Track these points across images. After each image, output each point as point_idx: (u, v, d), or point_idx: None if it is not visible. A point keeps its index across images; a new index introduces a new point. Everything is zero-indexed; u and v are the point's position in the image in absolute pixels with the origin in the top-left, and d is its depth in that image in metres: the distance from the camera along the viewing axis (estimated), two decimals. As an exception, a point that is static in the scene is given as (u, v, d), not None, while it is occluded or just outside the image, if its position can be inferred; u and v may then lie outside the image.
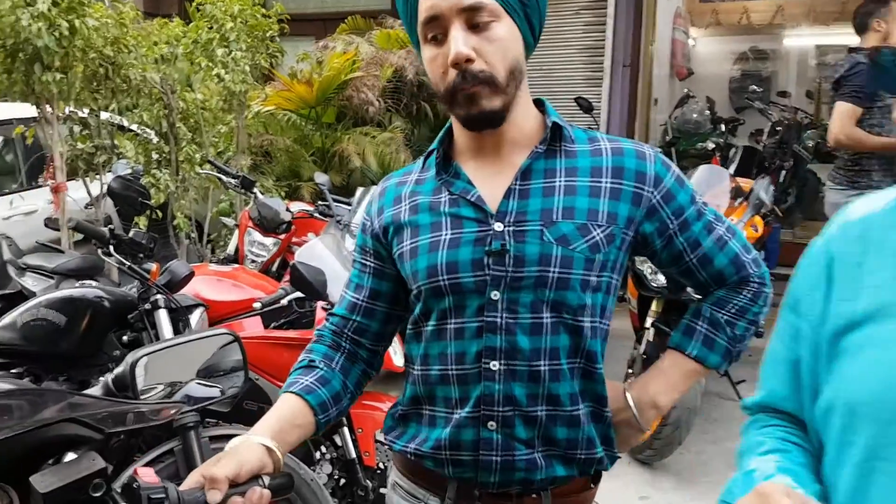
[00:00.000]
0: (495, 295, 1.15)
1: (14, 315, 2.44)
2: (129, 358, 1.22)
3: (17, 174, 5.03)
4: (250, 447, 1.09)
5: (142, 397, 1.32)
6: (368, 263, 1.32)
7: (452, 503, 1.24)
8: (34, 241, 3.87)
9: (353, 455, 2.60)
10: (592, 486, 1.27)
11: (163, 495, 0.97)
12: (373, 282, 1.31)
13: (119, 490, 1.01)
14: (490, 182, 1.20)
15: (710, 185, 3.62)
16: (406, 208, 1.26)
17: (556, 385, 1.17)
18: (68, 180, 4.40)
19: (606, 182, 1.18)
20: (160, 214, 4.72)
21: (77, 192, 4.56)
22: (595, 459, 1.22)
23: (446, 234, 1.19)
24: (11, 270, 3.43)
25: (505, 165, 1.20)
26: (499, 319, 1.15)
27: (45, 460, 1.13)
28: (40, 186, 4.67)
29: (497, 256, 1.15)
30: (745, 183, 4.03)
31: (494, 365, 1.16)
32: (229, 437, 2.23)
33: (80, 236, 3.61)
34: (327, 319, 1.35)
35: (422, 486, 1.28)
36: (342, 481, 2.68)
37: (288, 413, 1.21)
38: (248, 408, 2.58)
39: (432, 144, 1.28)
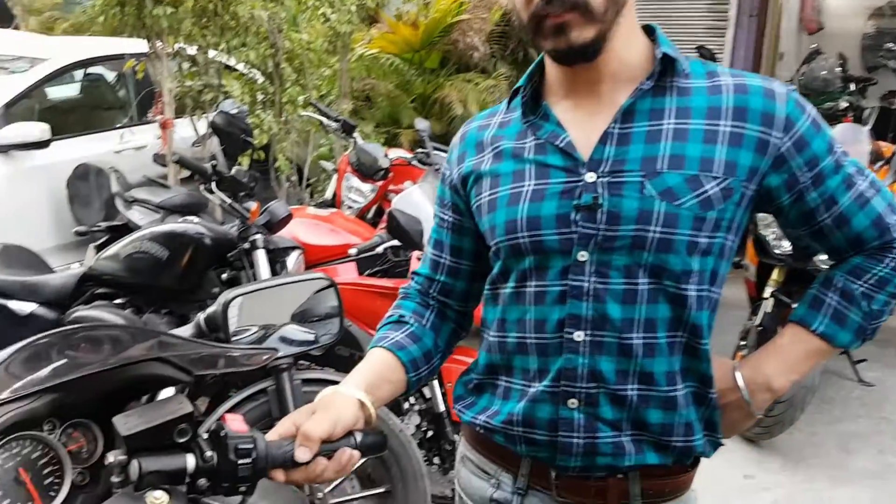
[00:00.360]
0: (582, 256, 1.01)
1: (118, 247, 2.48)
2: (223, 298, 1.15)
3: (128, 109, 5.17)
4: (345, 401, 1.01)
5: (234, 339, 1.26)
6: (447, 218, 1.20)
7: (526, 481, 1.12)
8: (142, 176, 3.96)
9: (442, 409, 2.55)
10: (690, 469, 1.12)
11: (250, 446, 0.91)
12: (453, 238, 1.20)
13: (206, 436, 0.95)
14: (584, 125, 1.04)
15: (847, 146, 3.28)
16: (488, 156, 1.12)
17: (650, 361, 1.02)
18: (176, 118, 4.48)
19: (725, 125, 1.00)
20: (263, 155, 4.76)
21: (185, 130, 4.65)
22: (693, 447, 1.06)
23: (529, 185, 1.05)
24: (119, 203, 3.52)
25: (602, 105, 1.04)
26: (585, 284, 1.02)
27: (130, 400, 1.09)
28: (150, 122, 4.77)
29: (587, 212, 1.01)
30: (885, 147, 3.65)
31: (578, 335, 1.02)
32: (322, 381, 2.26)
33: (186, 173, 3.68)
34: (412, 278, 1.26)
35: (493, 462, 1.17)
36: (429, 433, 2.64)
37: (380, 367, 1.12)
38: (340, 353, 2.55)
39: (520, 81, 1.12)
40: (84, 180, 4.24)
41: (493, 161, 1.11)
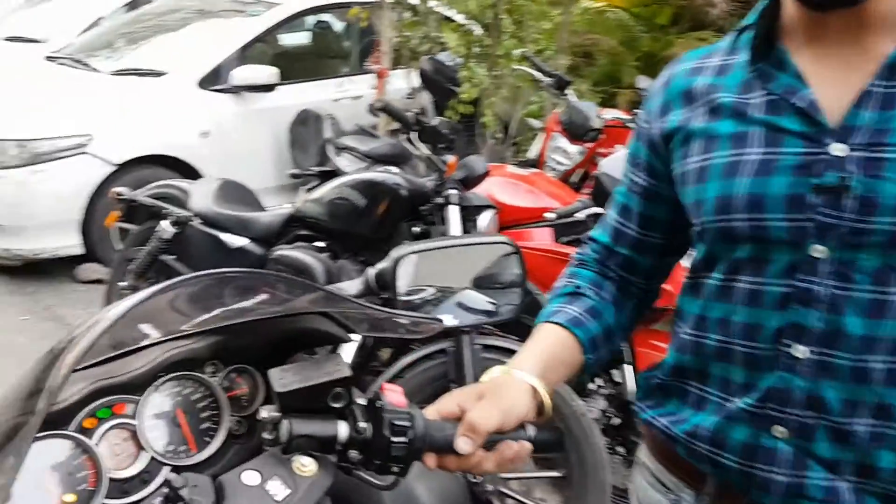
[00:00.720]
0: (818, 251, 0.80)
1: (322, 191, 2.54)
2: (394, 254, 1.06)
3: (349, 58, 5.35)
4: (518, 388, 0.88)
5: (405, 298, 1.17)
6: (639, 181, 0.99)
7: (710, 500, 0.92)
8: (355, 124, 4.07)
9: (633, 396, 2.34)
10: None
11: (407, 423, 0.82)
12: (644, 205, 1.00)
13: (363, 402, 0.87)
14: (832, 80, 0.81)
15: None
16: (701, 110, 0.89)
17: (892, 392, 0.79)
18: (393, 69, 4.55)
19: None
20: (471, 110, 4.72)
21: (400, 83, 4.71)
22: None
23: (754, 154, 0.84)
24: (330, 150, 3.63)
25: (860, 55, 0.80)
26: (819, 288, 0.80)
27: (294, 352, 1.03)
28: (368, 72, 4.90)
29: (830, 195, 0.78)
30: None
31: (800, 351, 0.81)
32: (503, 350, 2.15)
33: (396, 125, 3.71)
34: (586, 242, 1.09)
35: (673, 474, 0.98)
36: (615, 421, 2.46)
37: (554, 347, 0.97)
38: (524, 321, 2.42)
39: (747, 17, 0.89)
40: (304, 125, 4.46)
41: (708, 117, 0.89)
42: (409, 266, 1.10)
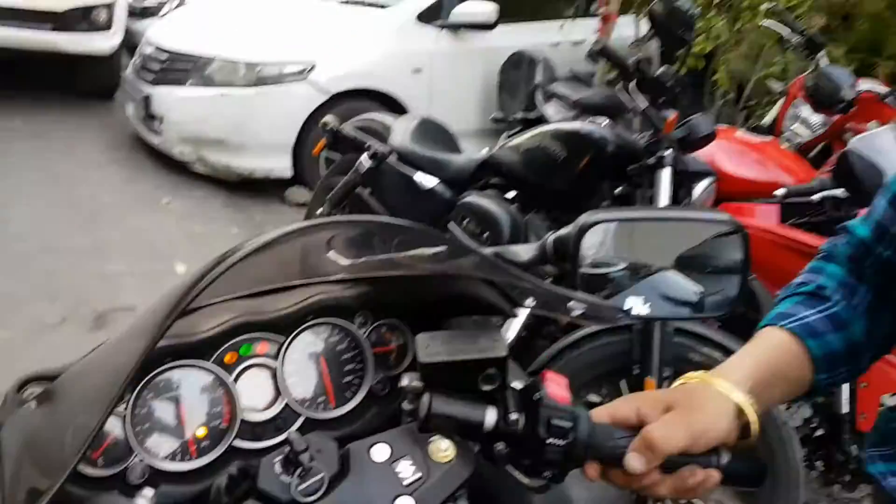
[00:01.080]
0: None
1: (521, 138, 2.38)
2: (581, 221, 0.89)
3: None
4: (719, 406, 0.71)
5: (591, 271, 0.99)
6: None
7: None
8: (569, 70, 3.84)
9: (846, 410, 2.08)
10: None
11: (568, 425, 0.69)
12: None
13: (518, 388, 0.73)
14: None
15: None
16: None
17: None
18: (620, 14, 4.26)
19: None
20: (702, 64, 4.31)
21: (627, 30, 4.40)
22: None
23: None
24: (539, 95, 3.45)
25: None
26: None
27: (449, 316, 0.90)
28: (593, 16, 4.61)
29: None
30: None
31: None
32: (701, 338, 1.90)
33: (615, 75, 3.44)
34: (840, 233, 0.91)
35: None
36: (819, 433, 2.17)
37: (777, 358, 0.79)
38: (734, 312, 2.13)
39: None
40: (516, 68, 4.30)
41: None
42: (598, 235, 0.91)
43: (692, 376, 0.76)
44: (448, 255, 0.82)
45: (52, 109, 5.26)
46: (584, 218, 0.89)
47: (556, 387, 0.72)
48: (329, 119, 2.80)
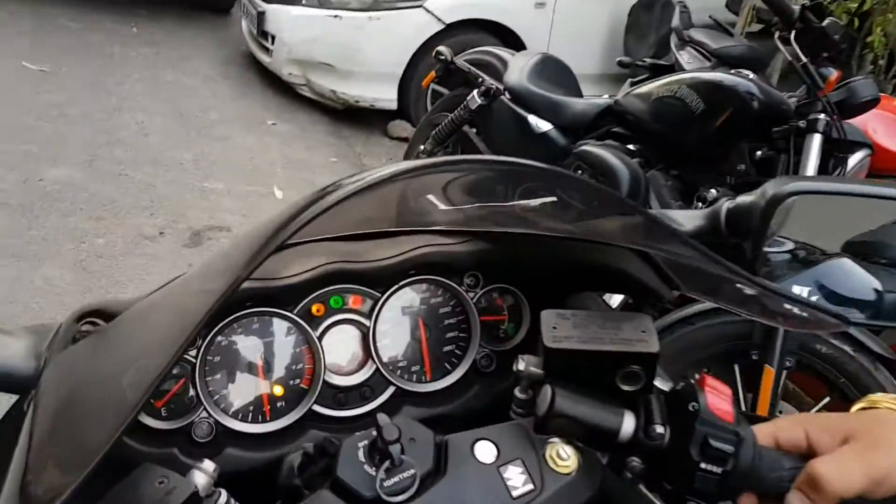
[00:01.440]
0: None
1: (652, 85, 2.14)
2: (773, 188, 0.71)
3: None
4: None
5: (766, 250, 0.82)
6: None
7: None
8: (709, 16, 3.49)
9: None
10: None
11: (730, 449, 0.54)
12: None
13: (666, 391, 0.59)
14: None
15: None
16: None
17: None
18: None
19: None
20: (856, 23, 3.83)
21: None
22: None
23: None
24: (673, 40, 3.14)
25: None
26: None
27: (576, 288, 0.75)
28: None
29: None
30: None
31: None
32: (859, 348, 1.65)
33: (757, 28, 3.10)
34: None
35: None
36: None
37: None
38: None
39: None
40: (648, 10, 3.96)
41: None
42: (783, 212, 0.72)
43: (880, 399, 0.60)
44: (602, 214, 0.65)
45: (168, 20, 5.29)
46: (777, 186, 0.70)
47: (717, 398, 0.56)
48: (443, 49, 2.63)
